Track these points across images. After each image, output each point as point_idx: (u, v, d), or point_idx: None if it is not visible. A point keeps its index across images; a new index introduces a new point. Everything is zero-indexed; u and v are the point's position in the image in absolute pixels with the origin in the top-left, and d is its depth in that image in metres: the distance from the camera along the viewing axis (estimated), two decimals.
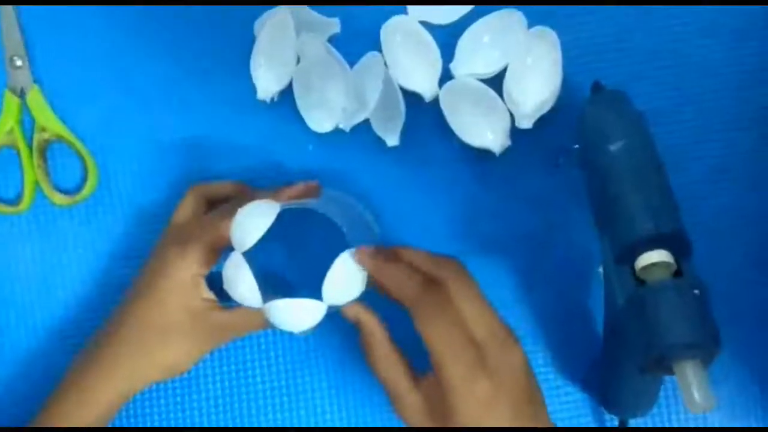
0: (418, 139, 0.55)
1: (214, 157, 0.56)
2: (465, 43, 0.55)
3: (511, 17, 0.54)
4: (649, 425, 0.54)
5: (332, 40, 0.56)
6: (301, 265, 0.51)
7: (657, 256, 0.42)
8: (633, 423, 0.53)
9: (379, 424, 0.54)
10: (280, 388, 0.55)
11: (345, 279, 0.43)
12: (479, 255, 0.53)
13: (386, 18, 0.55)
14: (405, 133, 0.55)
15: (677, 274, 0.42)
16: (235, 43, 0.56)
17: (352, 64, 0.55)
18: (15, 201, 0.56)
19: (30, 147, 0.56)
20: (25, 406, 0.52)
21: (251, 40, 0.56)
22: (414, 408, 0.42)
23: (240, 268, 0.43)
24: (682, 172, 0.47)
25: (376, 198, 0.55)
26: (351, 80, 0.55)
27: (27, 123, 0.56)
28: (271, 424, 0.55)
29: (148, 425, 0.55)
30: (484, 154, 0.55)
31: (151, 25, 0.57)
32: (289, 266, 0.48)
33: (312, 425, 0.54)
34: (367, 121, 0.55)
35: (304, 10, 0.56)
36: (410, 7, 0.56)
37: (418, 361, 0.42)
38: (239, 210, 0.44)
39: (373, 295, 0.44)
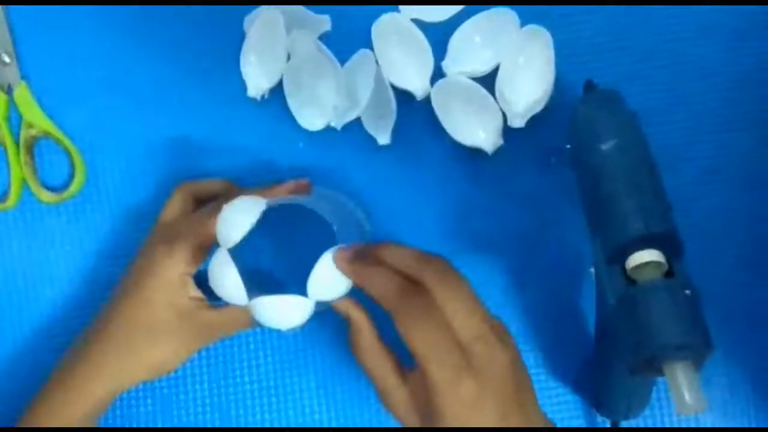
0: (410, 137, 0.55)
1: (204, 155, 0.56)
2: (457, 41, 0.55)
3: (504, 16, 0.54)
4: (641, 426, 0.53)
5: (323, 37, 0.55)
6: (291, 263, 0.51)
7: (648, 255, 0.41)
8: (625, 424, 0.53)
9: (368, 424, 0.54)
10: (268, 388, 0.54)
11: (330, 276, 0.43)
12: (471, 254, 0.54)
13: (378, 16, 0.55)
14: (396, 132, 0.55)
15: (669, 274, 0.42)
16: (224, 40, 0.56)
17: (343, 61, 0.55)
18: (1, 198, 0.56)
19: (17, 143, 0.55)
20: (12, 404, 0.51)
21: (241, 37, 0.56)
22: (401, 403, 0.42)
23: (225, 265, 0.43)
24: (674, 173, 0.47)
25: (368, 196, 0.55)
26: (342, 78, 0.54)
27: (14, 119, 0.56)
28: (259, 424, 0.54)
29: (135, 425, 0.54)
30: (476, 153, 0.55)
31: (140, 22, 0.56)
32: (279, 264, 0.48)
33: (300, 425, 0.54)
34: (358, 120, 0.55)
35: (295, 7, 0.55)
36: (402, 6, 0.55)
37: (407, 357, 0.41)
38: (225, 206, 0.44)
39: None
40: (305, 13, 0.56)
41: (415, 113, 0.55)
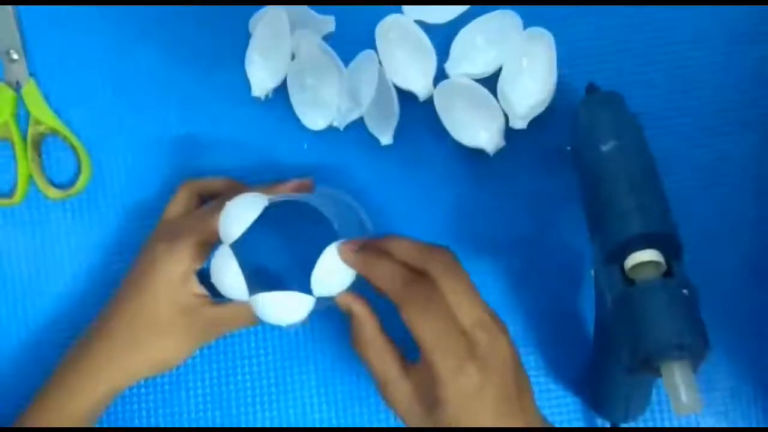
0: (412, 138, 0.55)
1: (209, 153, 0.56)
2: (460, 43, 0.55)
3: (507, 18, 0.54)
4: (641, 426, 0.53)
5: (327, 38, 0.56)
6: (293, 260, 0.51)
7: (647, 255, 0.42)
8: (624, 426, 0.53)
9: (368, 423, 0.54)
10: (269, 385, 0.55)
11: (333, 271, 0.43)
12: (471, 254, 0.53)
13: (381, 17, 0.55)
14: (399, 132, 0.55)
15: (668, 275, 0.42)
16: (230, 40, 0.56)
17: (346, 62, 0.55)
18: (9, 194, 0.56)
19: (24, 140, 0.56)
20: (16, 399, 0.52)
21: (246, 37, 0.56)
22: (403, 395, 0.42)
23: (226, 261, 0.44)
24: (675, 175, 0.47)
25: (370, 195, 0.55)
26: (345, 78, 0.55)
27: (22, 116, 0.57)
28: (260, 423, 0.55)
29: (136, 423, 0.55)
30: (477, 153, 0.55)
31: (147, 21, 0.57)
32: (281, 261, 0.48)
33: (301, 424, 0.54)
34: (361, 120, 0.55)
35: (300, 7, 0.56)
36: (406, 7, 0.56)
37: (409, 350, 0.42)
38: (227, 203, 0.44)
39: (366, 284, 0.44)
40: (310, 14, 0.56)
41: (417, 114, 0.55)
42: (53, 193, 0.56)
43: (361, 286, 0.44)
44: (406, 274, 0.42)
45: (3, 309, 0.56)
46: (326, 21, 0.56)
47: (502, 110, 0.54)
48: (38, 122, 0.56)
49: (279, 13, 0.55)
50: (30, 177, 0.56)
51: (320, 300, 0.44)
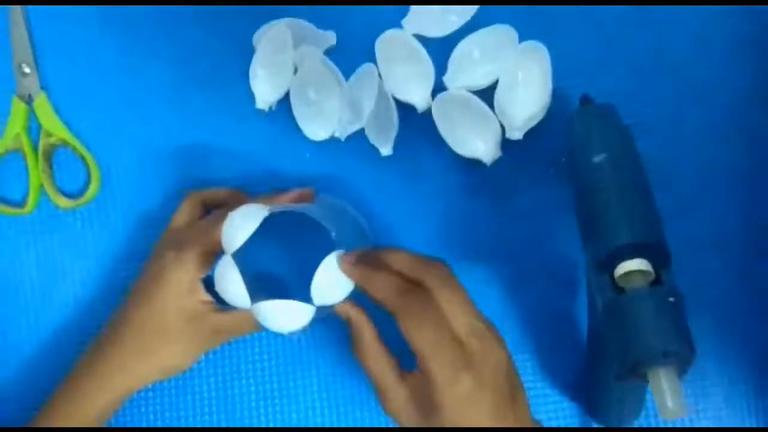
0: (411, 149, 0.56)
1: (213, 163, 0.57)
2: (458, 56, 0.56)
3: (503, 33, 0.55)
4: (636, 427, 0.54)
5: (329, 52, 0.57)
6: (295, 269, 0.52)
7: (635, 264, 0.42)
8: None
9: (369, 426, 0.55)
10: (272, 390, 0.55)
11: (332, 281, 0.44)
12: (468, 262, 0.54)
13: (381, 31, 0.56)
14: (398, 143, 0.56)
15: (656, 283, 0.43)
16: (235, 55, 0.57)
17: (347, 75, 0.56)
18: (20, 203, 0.57)
19: (36, 151, 0.57)
20: (28, 404, 0.53)
21: (250, 52, 0.57)
22: (400, 401, 0.43)
23: (229, 270, 0.44)
24: (667, 186, 0.48)
25: (369, 204, 0.56)
26: (346, 91, 0.56)
27: (34, 128, 0.58)
28: (263, 425, 0.55)
29: (144, 424, 0.55)
30: (475, 164, 0.56)
31: (155, 36, 0.58)
32: (283, 270, 0.49)
33: (303, 426, 0.55)
34: (361, 131, 0.56)
35: (302, 23, 0.57)
36: (405, 21, 0.57)
37: (406, 358, 0.43)
38: (229, 214, 0.45)
39: (365, 294, 0.45)
40: (312, 29, 0.57)
41: (416, 125, 0.56)
42: (63, 202, 0.57)
43: (359, 295, 0.44)
44: (402, 284, 0.42)
45: (14, 315, 0.57)
46: (328, 36, 0.57)
47: (499, 122, 0.55)
48: (49, 134, 0.57)
49: (282, 28, 0.56)
50: (41, 187, 0.57)
51: (320, 308, 0.44)
